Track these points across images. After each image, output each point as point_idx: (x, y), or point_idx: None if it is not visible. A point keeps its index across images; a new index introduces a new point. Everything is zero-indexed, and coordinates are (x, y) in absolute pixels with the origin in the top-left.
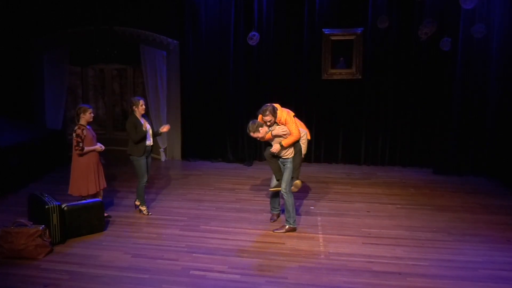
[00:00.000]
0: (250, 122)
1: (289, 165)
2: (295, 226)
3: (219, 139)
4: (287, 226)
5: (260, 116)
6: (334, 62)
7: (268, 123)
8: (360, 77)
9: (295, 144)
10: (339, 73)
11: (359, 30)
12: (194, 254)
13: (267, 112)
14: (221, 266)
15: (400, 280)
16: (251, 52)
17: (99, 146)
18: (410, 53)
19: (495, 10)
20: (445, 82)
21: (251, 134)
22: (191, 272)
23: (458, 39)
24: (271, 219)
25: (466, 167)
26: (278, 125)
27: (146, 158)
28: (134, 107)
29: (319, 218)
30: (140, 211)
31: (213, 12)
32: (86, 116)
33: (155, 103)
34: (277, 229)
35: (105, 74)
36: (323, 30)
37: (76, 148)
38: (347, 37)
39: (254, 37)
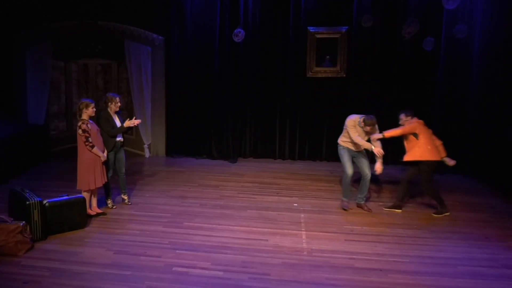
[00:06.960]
0: (368, 117)
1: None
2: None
3: (204, 135)
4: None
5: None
6: (319, 60)
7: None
8: (344, 75)
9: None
10: (323, 71)
11: (344, 29)
12: (177, 251)
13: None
14: (204, 262)
15: (381, 276)
16: (236, 49)
17: (103, 156)
18: (394, 52)
19: (477, 10)
20: (428, 81)
21: (368, 128)
22: (174, 268)
23: (441, 39)
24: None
25: (446, 165)
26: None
27: (116, 154)
28: (109, 103)
29: (302, 215)
30: (106, 204)
31: (199, 8)
32: (89, 111)
33: (140, 99)
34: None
35: (89, 69)
36: (308, 28)
37: (87, 143)
38: (332, 36)
39: (239, 34)
